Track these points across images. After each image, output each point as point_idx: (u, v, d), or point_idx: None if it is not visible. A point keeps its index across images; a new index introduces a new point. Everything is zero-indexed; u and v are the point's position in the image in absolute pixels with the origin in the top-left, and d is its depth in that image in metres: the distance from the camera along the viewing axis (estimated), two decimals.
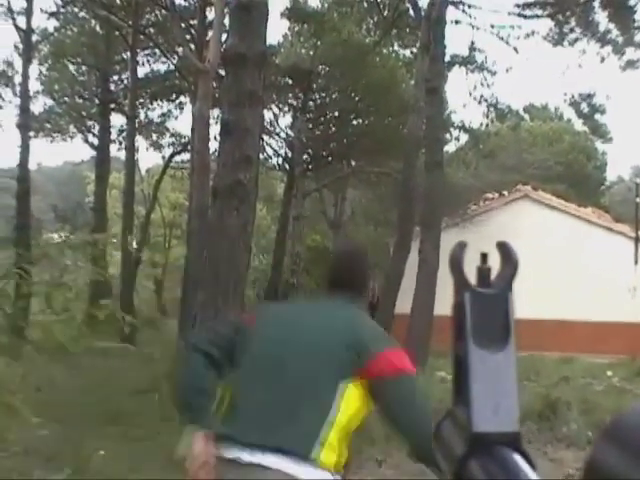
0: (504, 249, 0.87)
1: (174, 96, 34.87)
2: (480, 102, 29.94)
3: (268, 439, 3.00)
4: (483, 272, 0.85)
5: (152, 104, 35.61)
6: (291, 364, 3.19)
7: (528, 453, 0.78)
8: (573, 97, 28.48)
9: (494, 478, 0.76)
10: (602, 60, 25.85)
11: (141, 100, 33.38)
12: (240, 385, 3.27)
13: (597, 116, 29.70)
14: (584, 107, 29.60)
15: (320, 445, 3.02)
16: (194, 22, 27.50)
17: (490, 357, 0.81)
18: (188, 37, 27.31)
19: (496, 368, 0.81)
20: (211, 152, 21.84)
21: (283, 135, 34.75)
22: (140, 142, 36.26)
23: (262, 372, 3.22)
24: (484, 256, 0.86)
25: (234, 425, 3.12)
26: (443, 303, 20.69)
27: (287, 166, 33.93)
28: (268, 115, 32.03)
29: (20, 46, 24.93)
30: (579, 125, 49.41)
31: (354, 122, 34.20)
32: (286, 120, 35.28)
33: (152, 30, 30.17)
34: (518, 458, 0.77)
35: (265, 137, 31.31)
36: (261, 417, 3.10)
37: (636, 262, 27.52)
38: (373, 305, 30.43)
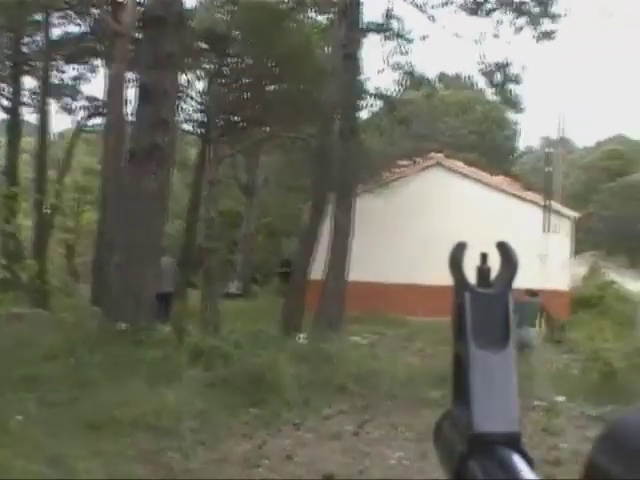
0: (504, 249, 0.89)
1: (88, 59, 34.33)
2: (395, 69, 29.96)
3: None
4: (483, 272, 0.87)
5: (66, 66, 35.01)
6: None
7: (527, 453, 0.80)
8: (489, 66, 28.57)
9: (494, 478, 0.77)
10: (517, 30, 26.06)
11: (54, 62, 32.75)
12: None
13: (511, 86, 29.74)
14: (498, 77, 29.73)
15: None
16: None
17: (490, 357, 0.83)
18: None
19: (496, 368, 0.82)
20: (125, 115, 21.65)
21: (197, 100, 34.54)
22: (52, 106, 35.66)
23: None
24: (484, 256, 0.88)
25: None
26: (357, 269, 20.92)
27: (201, 131, 33.74)
28: (182, 79, 31.76)
29: None
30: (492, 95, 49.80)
31: (269, 88, 34.07)
32: (200, 85, 35.02)
33: None
34: (517, 458, 0.79)
35: (179, 101, 31.04)
36: None
37: (546, 230, 27.95)
38: (286, 272, 30.48)
